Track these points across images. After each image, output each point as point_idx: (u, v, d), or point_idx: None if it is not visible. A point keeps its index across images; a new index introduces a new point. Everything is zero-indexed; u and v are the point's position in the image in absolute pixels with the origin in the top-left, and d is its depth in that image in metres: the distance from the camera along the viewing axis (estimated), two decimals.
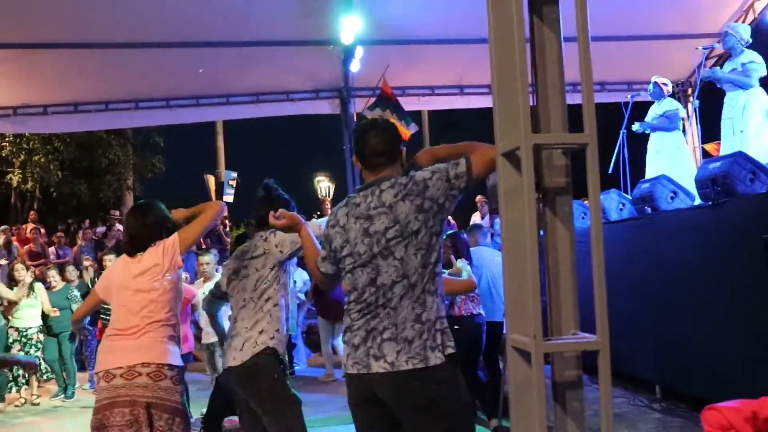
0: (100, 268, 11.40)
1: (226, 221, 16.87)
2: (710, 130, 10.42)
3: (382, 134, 3.53)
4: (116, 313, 4.40)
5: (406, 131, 13.00)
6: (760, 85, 8.88)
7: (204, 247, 15.01)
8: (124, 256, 4.55)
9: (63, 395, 10.36)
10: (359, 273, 3.40)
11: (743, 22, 12.09)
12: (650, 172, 9.74)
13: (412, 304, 3.25)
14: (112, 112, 13.80)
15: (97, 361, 4.39)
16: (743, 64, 8.91)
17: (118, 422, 4.10)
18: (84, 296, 9.79)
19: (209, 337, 7.85)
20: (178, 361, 4.32)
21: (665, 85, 10.28)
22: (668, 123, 9.98)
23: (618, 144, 10.13)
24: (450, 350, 3.21)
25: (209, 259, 8.52)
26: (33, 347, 10.37)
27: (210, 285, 8.29)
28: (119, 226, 16.65)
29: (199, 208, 4.66)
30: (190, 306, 8.13)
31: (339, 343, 10.90)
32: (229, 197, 19.17)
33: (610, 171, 9.96)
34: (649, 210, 8.25)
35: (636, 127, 10.18)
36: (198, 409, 7.72)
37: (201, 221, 4.55)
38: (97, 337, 10.38)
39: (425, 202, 3.23)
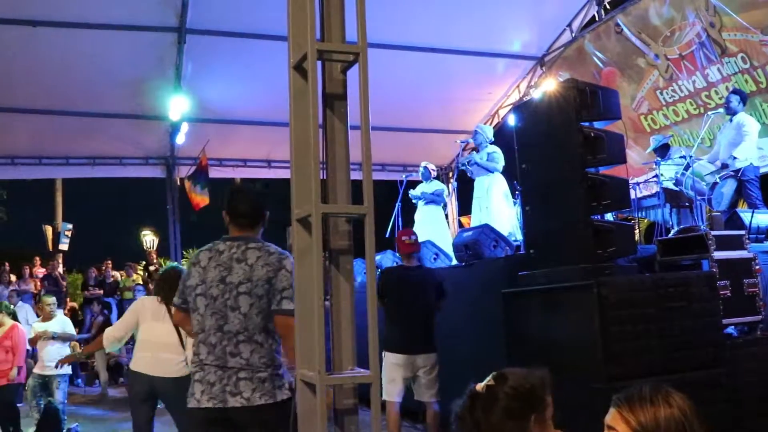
0: None
1: (60, 265, 15.78)
2: (466, 205, 10.89)
3: (250, 199, 3.42)
4: None
5: (204, 198, 13.05)
6: (501, 173, 9.40)
7: (42, 288, 13.92)
8: None
9: None
10: (208, 316, 3.19)
11: (490, 124, 12.89)
12: (420, 238, 9.98)
13: (258, 353, 3.15)
14: None
15: None
16: (489, 154, 9.43)
17: None
18: None
19: (46, 369, 7.30)
20: None
21: (433, 169, 10.69)
22: (436, 199, 10.35)
23: (394, 213, 10.35)
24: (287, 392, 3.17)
25: (52, 300, 8.01)
26: None
27: (50, 324, 7.67)
28: None
29: None
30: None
31: None
32: (64, 245, 18.31)
33: (387, 235, 10.13)
34: None
35: (411, 193, 10.47)
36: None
37: None
38: None
39: (272, 281, 3.16)
